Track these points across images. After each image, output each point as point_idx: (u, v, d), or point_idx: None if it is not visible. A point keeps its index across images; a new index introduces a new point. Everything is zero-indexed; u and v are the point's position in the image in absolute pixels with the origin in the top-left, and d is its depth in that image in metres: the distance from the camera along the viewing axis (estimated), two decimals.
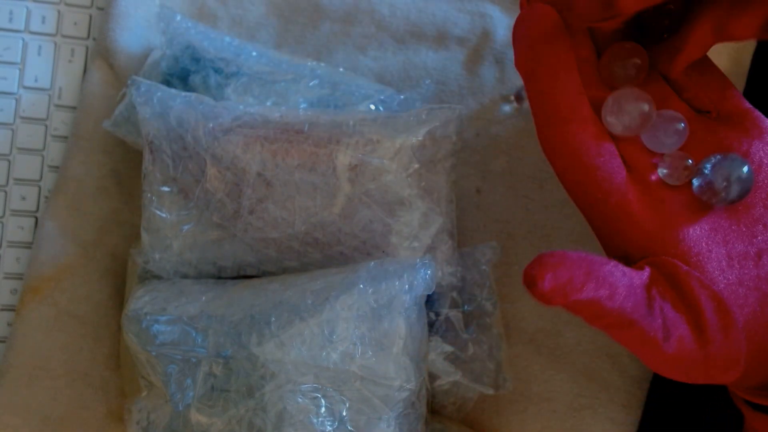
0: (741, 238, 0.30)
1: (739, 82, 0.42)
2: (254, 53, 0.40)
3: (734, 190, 0.29)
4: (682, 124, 0.31)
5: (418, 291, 0.34)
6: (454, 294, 0.38)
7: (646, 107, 0.31)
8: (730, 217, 0.30)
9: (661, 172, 0.31)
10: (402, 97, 0.40)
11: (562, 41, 0.30)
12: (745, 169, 0.29)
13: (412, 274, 0.34)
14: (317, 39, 0.44)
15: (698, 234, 0.30)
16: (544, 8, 0.31)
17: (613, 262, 0.29)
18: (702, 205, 0.30)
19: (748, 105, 0.32)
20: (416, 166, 0.36)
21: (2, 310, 0.42)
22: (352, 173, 0.35)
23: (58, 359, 0.39)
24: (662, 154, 0.31)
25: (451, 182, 0.37)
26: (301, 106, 0.39)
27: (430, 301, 0.38)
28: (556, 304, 0.27)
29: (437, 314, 0.38)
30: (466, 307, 0.39)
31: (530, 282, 0.27)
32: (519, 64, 0.31)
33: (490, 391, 0.38)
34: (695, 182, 0.30)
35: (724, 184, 0.29)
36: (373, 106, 0.39)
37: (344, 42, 0.44)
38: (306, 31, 0.44)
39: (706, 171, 0.30)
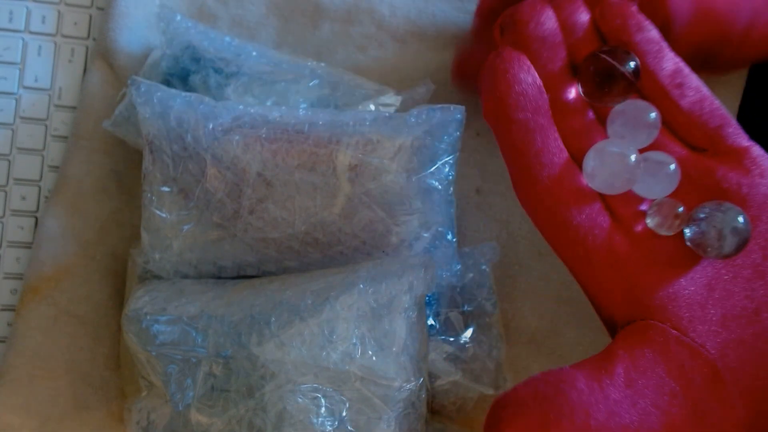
0: (738, 292, 0.28)
1: (740, 82, 0.42)
2: (254, 53, 0.40)
3: (729, 244, 0.27)
4: (673, 166, 0.28)
5: (418, 291, 0.34)
6: (454, 294, 0.38)
7: (629, 161, 0.28)
8: (727, 268, 0.28)
9: (651, 221, 0.28)
10: (402, 97, 0.40)
11: (534, 91, 0.28)
12: (741, 219, 0.27)
13: (412, 274, 0.34)
14: (317, 39, 0.44)
15: (690, 291, 0.27)
16: (515, 56, 0.28)
17: (579, 378, 0.26)
18: (695, 255, 0.28)
19: (747, 142, 0.29)
20: (416, 166, 0.36)
21: (2, 310, 0.42)
22: (352, 173, 0.35)
23: (58, 359, 0.39)
24: (651, 200, 0.29)
25: (451, 182, 0.37)
26: (301, 106, 0.39)
27: (430, 301, 0.38)
28: None
29: (437, 314, 0.38)
30: (466, 307, 0.39)
31: None
32: (487, 117, 0.29)
33: (490, 391, 0.38)
34: (687, 233, 0.28)
35: (718, 237, 0.27)
36: (373, 106, 0.39)
37: (344, 42, 0.44)
38: (306, 31, 0.44)
39: (698, 221, 0.27)
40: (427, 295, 0.37)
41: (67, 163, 0.41)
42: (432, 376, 0.37)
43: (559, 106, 0.29)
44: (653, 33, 0.30)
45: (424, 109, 0.36)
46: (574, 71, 0.30)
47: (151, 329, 0.35)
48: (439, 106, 0.36)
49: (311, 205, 0.35)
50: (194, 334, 0.34)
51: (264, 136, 0.35)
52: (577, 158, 0.29)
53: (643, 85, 0.30)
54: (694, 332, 0.27)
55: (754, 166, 0.29)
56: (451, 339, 0.38)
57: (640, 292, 0.28)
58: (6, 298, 0.42)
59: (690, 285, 0.28)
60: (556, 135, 0.29)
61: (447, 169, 0.37)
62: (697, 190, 0.29)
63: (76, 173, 0.41)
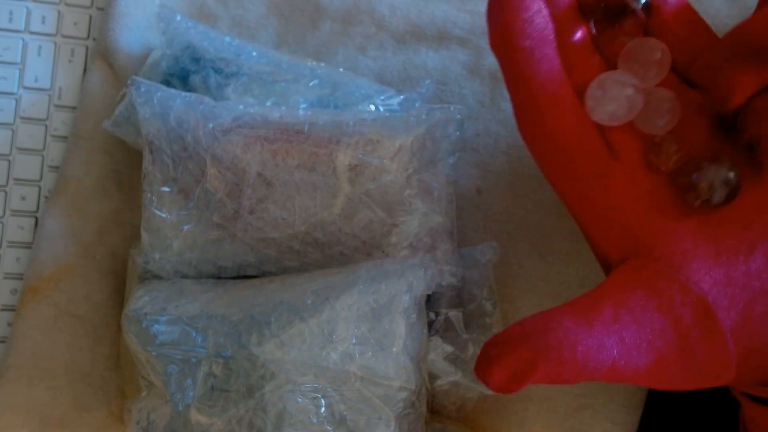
0: (732, 230, 0.28)
1: None
2: (254, 53, 0.40)
3: (719, 195, 0.28)
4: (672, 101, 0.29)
5: (418, 291, 0.34)
6: (454, 294, 0.38)
7: (631, 92, 0.28)
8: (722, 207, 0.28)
9: (651, 156, 0.29)
10: (402, 97, 0.40)
11: (540, 20, 0.28)
12: (732, 175, 0.27)
13: (412, 274, 0.34)
14: (317, 39, 0.44)
15: (684, 228, 0.28)
16: None
17: (567, 315, 0.27)
18: None
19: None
20: (416, 166, 0.36)
21: (2, 310, 0.42)
22: (352, 173, 0.35)
23: (58, 359, 0.39)
24: (653, 137, 0.29)
25: (451, 182, 0.37)
26: (301, 106, 0.39)
27: (430, 301, 0.38)
28: (517, 390, 0.26)
29: (437, 314, 0.38)
30: (466, 307, 0.39)
31: (482, 379, 0.27)
32: (493, 46, 0.29)
33: (490, 391, 0.38)
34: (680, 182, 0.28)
35: (708, 188, 0.27)
36: (373, 106, 0.39)
37: (344, 42, 0.44)
38: (306, 31, 0.44)
39: (691, 172, 0.28)
40: (427, 295, 0.37)
41: (67, 163, 0.41)
42: (432, 376, 0.37)
43: (566, 46, 0.29)
44: None
45: (424, 109, 0.36)
46: (582, 10, 0.30)
47: (151, 329, 0.35)
48: (439, 106, 0.36)
49: (311, 205, 0.35)
50: (194, 334, 0.34)
51: (264, 136, 0.35)
52: (582, 96, 0.29)
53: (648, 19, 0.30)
54: (687, 269, 0.27)
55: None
56: (451, 339, 0.38)
57: (634, 229, 0.28)
58: (6, 298, 0.42)
59: (683, 223, 0.28)
60: (561, 67, 0.29)
61: (447, 169, 0.37)
62: (693, 133, 0.29)
63: (76, 173, 0.41)
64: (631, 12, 0.29)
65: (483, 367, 0.27)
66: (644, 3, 0.29)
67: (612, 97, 0.28)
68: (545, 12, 0.28)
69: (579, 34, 0.30)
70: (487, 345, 0.27)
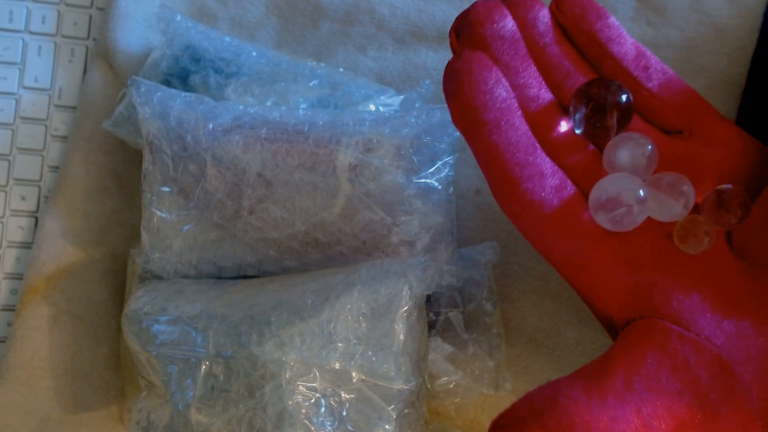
0: (735, 281, 0.27)
1: (739, 82, 0.42)
2: (254, 53, 0.40)
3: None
4: (680, 207, 0.27)
5: (418, 291, 0.34)
6: (454, 294, 0.38)
7: (641, 194, 0.26)
8: (722, 259, 0.27)
9: (678, 242, 0.27)
10: (402, 97, 0.40)
11: (501, 90, 0.27)
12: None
13: (412, 274, 0.34)
14: (317, 39, 0.44)
15: (689, 283, 0.27)
16: (475, 56, 0.27)
17: (576, 387, 0.25)
18: (690, 251, 0.27)
19: (721, 119, 0.29)
20: (416, 166, 0.36)
21: (2, 310, 0.42)
22: (352, 173, 0.35)
23: (58, 359, 0.39)
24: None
25: (451, 182, 0.37)
26: (301, 106, 0.39)
27: (430, 301, 0.38)
28: None
29: (437, 314, 0.38)
30: (466, 307, 0.39)
31: None
32: (456, 123, 0.28)
33: (490, 391, 0.38)
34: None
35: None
36: (373, 106, 0.39)
37: (344, 42, 0.44)
38: (306, 31, 0.44)
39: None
40: (427, 295, 0.37)
41: (67, 163, 0.41)
42: (432, 376, 0.37)
43: (552, 140, 0.29)
44: (612, 19, 0.30)
45: (424, 109, 0.36)
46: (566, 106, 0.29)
47: (151, 329, 0.35)
48: (439, 106, 0.36)
49: (311, 205, 0.35)
50: (194, 334, 0.34)
51: (264, 136, 0.35)
52: (557, 149, 0.28)
53: (607, 70, 0.29)
54: (696, 326, 0.26)
55: (731, 142, 0.28)
56: (451, 339, 0.38)
57: (638, 291, 0.27)
58: (6, 298, 0.42)
59: (687, 279, 0.27)
60: (530, 133, 0.28)
61: (447, 169, 0.37)
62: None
63: (76, 173, 0.41)
64: (614, 106, 0.28)
65: None
66: (626, 101, 0.28)
67: (619, 202, 0.26)
68: (504, 81, 0.27)
69: (564, 128, 0.29)
70: (495, 425, 0.25)
